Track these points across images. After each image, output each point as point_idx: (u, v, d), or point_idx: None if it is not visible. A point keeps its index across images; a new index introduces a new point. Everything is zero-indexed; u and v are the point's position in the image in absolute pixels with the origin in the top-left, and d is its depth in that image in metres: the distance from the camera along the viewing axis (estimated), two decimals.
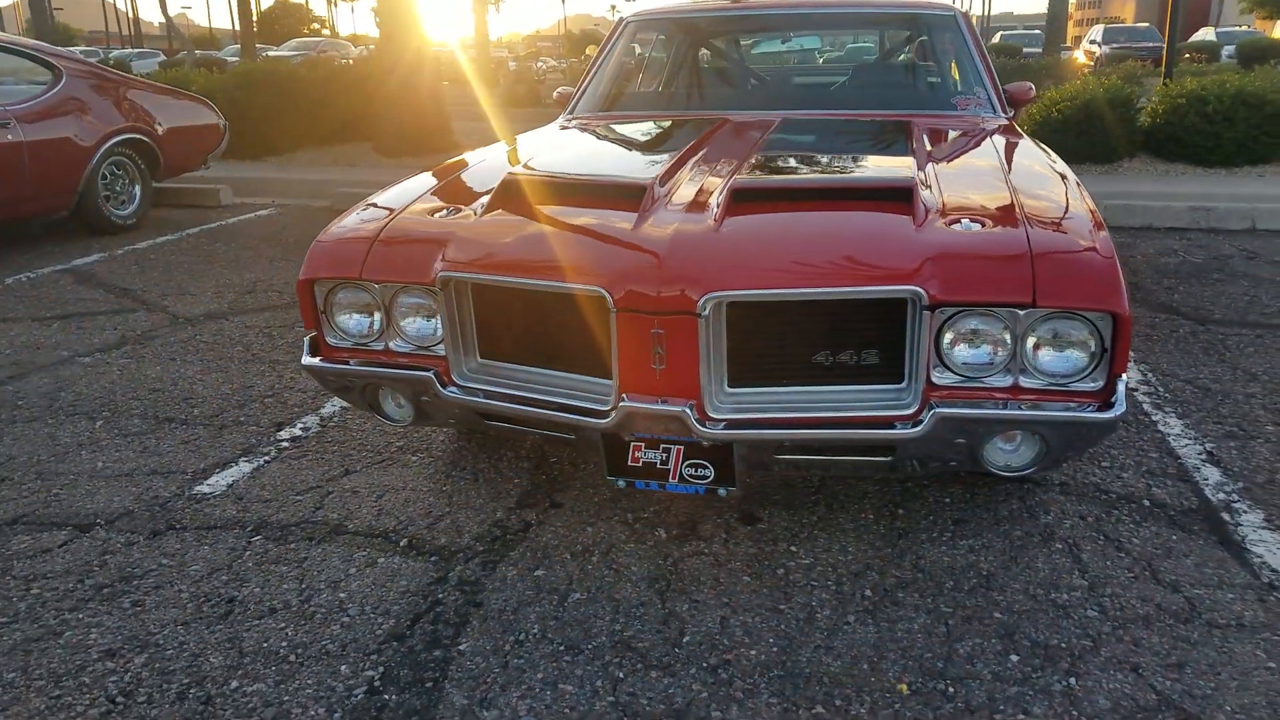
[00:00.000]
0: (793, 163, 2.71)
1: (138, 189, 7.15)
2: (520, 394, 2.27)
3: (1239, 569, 2.38)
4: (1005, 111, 3.54)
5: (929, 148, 2.87)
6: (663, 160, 2.65)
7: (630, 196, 2.34)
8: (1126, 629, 2.15)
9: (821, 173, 2.58)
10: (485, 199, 2.49)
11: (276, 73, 9.97)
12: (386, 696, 1.97)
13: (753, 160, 2.63)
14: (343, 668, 2.06)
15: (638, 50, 4.07)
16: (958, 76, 3.70)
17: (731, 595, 2.29)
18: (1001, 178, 2.52)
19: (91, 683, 2.04)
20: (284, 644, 2.15)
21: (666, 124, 3.43)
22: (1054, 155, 3.08)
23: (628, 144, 3.13)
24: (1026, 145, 3.07)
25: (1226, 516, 2.63)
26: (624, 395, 2.12)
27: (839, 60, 3.92)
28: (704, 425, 2.08)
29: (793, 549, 2.49)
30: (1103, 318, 2.01)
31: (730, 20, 4.11)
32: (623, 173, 2.52)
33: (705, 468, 2.18)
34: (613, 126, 3.48)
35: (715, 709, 1.91)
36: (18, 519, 2.74)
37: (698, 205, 2.29)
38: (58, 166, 6.40)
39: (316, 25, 68.18)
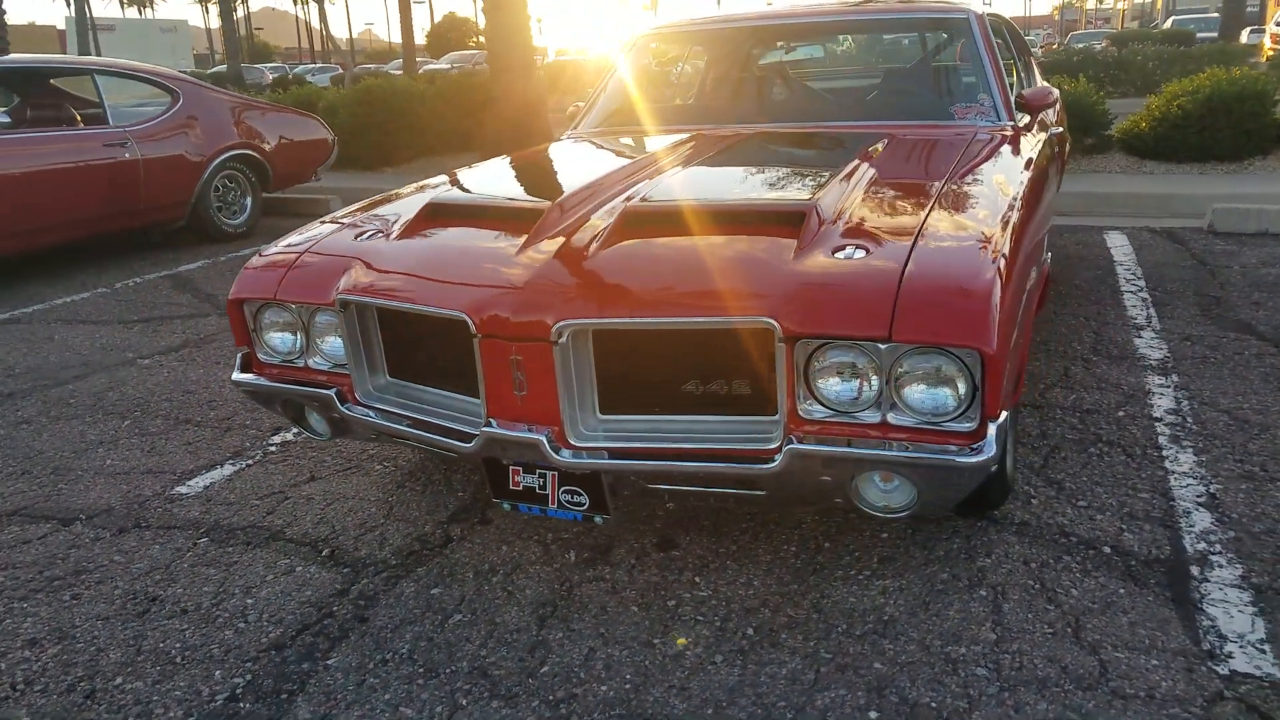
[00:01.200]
0: (706, 183, 2.63)
1: (249, 200, 7.65)
2: (408, 414, 2.31)
3: (1180, 632, 2.14)
4: (1012, 119, 3.31)
5: (879, 164, 2.73)
6: (589, 180, 2.62)
7: (527, 220, 2.34)
8: (1014, 692, 1.98)
9: (724, 195, 2.49)
10: (407, 221, 2.54)
11: (394, 88, 10.42)
12: (241, 704, 2.04)
13: (668, 181, 2.57)
14: (217, 673, 2.15)
15: (653, 64, 4.04)
16: (964, 83, 3.49)
17: (610, 626, 2.24)
18: (928, 201, 2.37)
19: (6, 669, 2.21)
20: (178, 645, 2.26)
21: (636, 140, 3.40)
22: (1035, 168, 2.88)
23: (577, 163, 3.12)
24: (1003, 159, 2.86)
25: (1195, 570, 2.38)
26: (490, 420, 2.12)
27: (841, 70, 3.76)
28: (561, 454, 2.05)
29: (697, 580, 2.42)
30: (970, 354, 1.86)
31: (731, 33, 4.01)
32: (533, 195, 2.51)
33: (580, 495, 2.16)
34: (590, 143, 3.48)
35: None
36: (18, 510, 2.99)
37: (589, 229, 2.26)
38: (171, 181, 6.93)
39: (481, 39, 70.99)
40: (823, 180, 2.47)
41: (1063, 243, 6.07)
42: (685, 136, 3.26)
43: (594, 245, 2.18)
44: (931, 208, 2.31)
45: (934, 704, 1.95)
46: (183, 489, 3.09)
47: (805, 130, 3.36)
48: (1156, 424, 3.26)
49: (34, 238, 6.16)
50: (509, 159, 3.34)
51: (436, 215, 2.53)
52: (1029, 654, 2.09)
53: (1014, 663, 2.06)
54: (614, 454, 2.07)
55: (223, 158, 7.30)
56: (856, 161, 2.69)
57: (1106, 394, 3.55)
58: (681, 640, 1.87)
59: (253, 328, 2.54)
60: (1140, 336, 4.18)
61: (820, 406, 2.00)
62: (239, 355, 2.60)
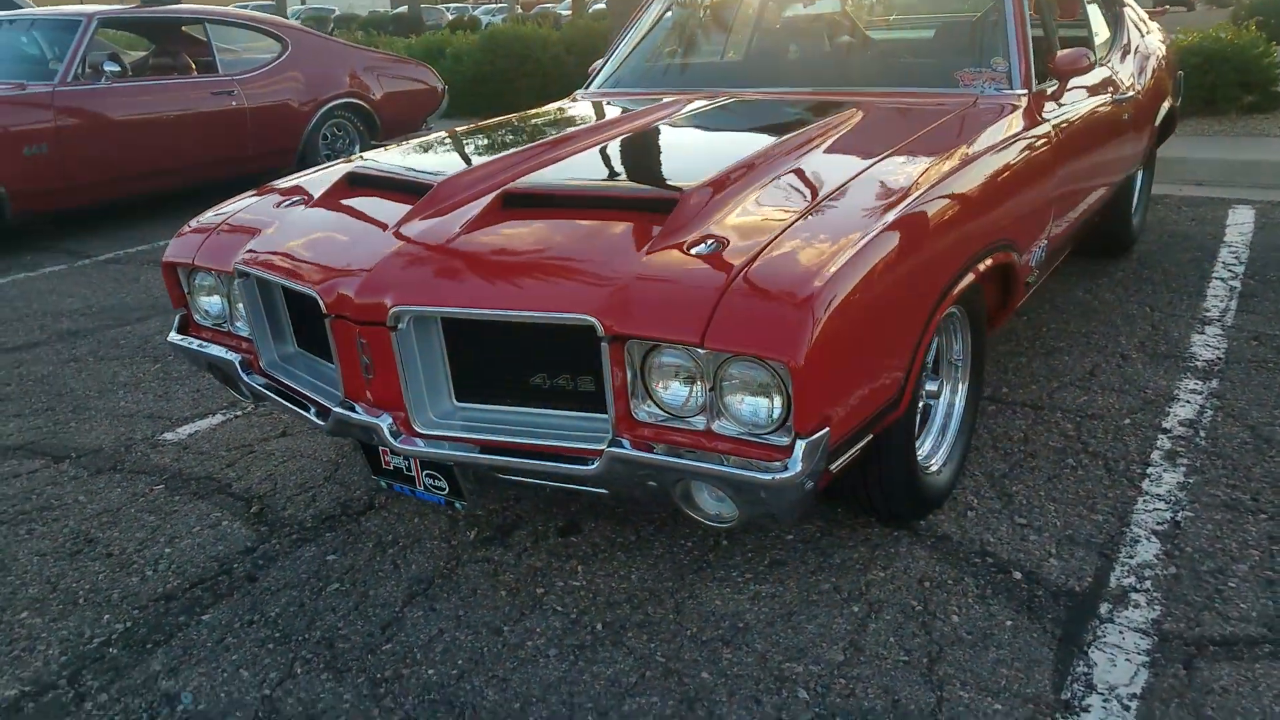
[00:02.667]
0: (610, 162, 2.52)
1: (356, 148, 7.95)
2: (294, 386, 2.37)
3: (1045, 677, 1.97)
4: (1028, 87, 3.02)
5: (820, 142, 2.56)
6: (504, 154, 2.57)
7: (414, 195, 2.33)
8: None
9: (611, 178, 2.39)
10: (325, 190, 2.59)
11: (517, 35, 10.52)
12: (110, 650, 2.19)
13: (578, 158, 2.50)
14: (106, 617, 2.31)
15: (671, 17, 3.88)
16: (979, 44, 3.19)
17: (471, 610, 2.26)
18: (828, 191, 2.21)
19: None
20: (88, 587, 2.44)
21: (613, 106, 3.30)
22: (1026, 148, 2.64)
23: (524, 132, 3.05)
24: (976, 139, 2.60)
25: (1104, 609, 2.17)
26: (344, 401, 2.15)
27: (860, 24, 3.46)
28: (399, 439, 2.07)
29: (579, 568, 2.40)
30: (781, 367, 1.74)
31: None
32: (443, 169, 2.48)
33: (439, 479, 2.17)
34: (572, 108, 3.41)
35: None
36: (25, 445, 3.29)
37: (465, 210, 2.24)
38: (278, 128, 7.29)
39: None
40: (732, 163, 2.33)
41: (1177, 217, 5.53)
42: (648, 106, 3.13)
43: (458, 228, 2.15)
44: (824, 200, 2.16)
45: None
46: (169, 435, 3.30)
47: (783, 98, 3.17)
48: (1160, 436, 2.96)
49: (144, 182, 6.63)
50: (474, 126, 3.32)
51: (353, 185, 2.56)
52: (866, 682, 1.97)
53: (845, 689, 1.95)
54: (452, 443, 2.06)
55: (330, 106, 7.60)
56: (795, 138, 2.53)
57: (1124, 397, 3.24)
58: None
59: (187, 290, 2.66)
60: (1202, 333, 3.78)
61: (656, 409, 1.92)
62: (176, 316, 2.73)
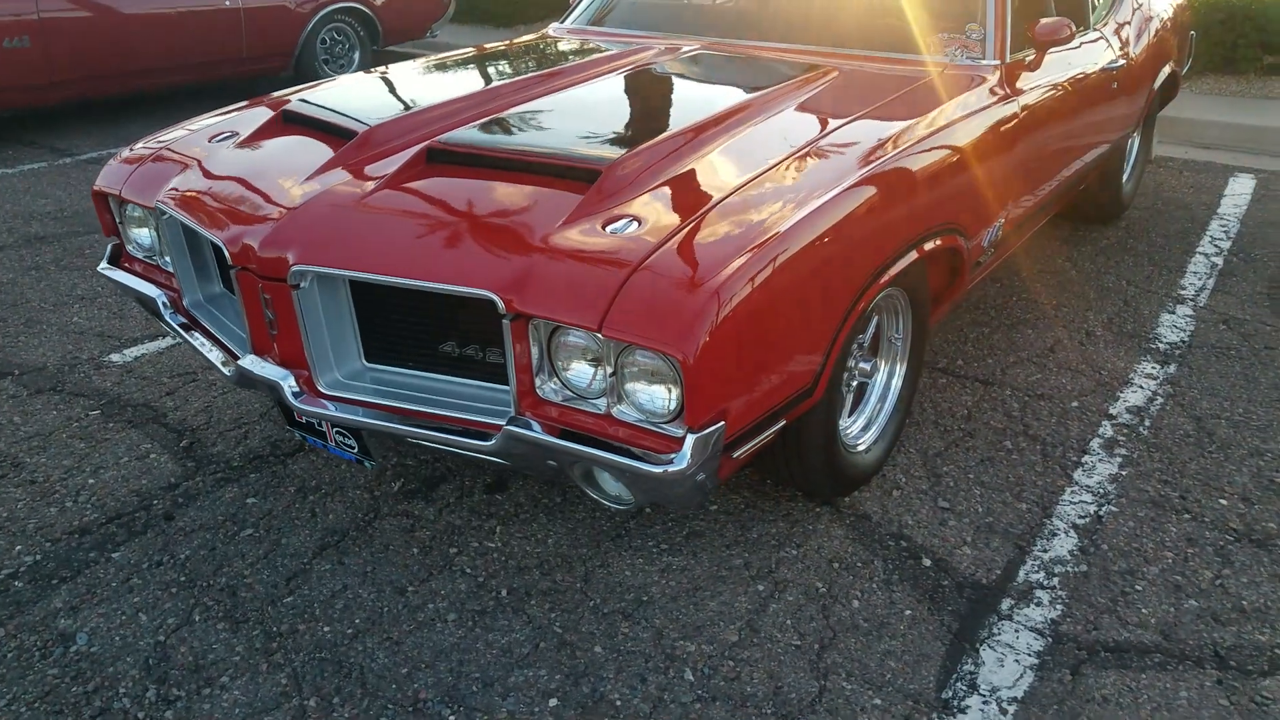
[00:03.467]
0: (549, 120, 2.43)
1: (356, 54, 7.81)
2: (210, 329, 2.34)
3: (930, 674, 1.97)
4: (1001, 57, 2.90)
5: (772, 110, 2.47)
6: (441, 100, 2.49)
7: (344, 139, 2.27)
8: (706, 705, 1.89)
9: (541, 140, 2.30)
10: (257, 126, 2.52)
11: None
12: (15, 583, 2.21)
13: (519, 111, 2.42)
14: (18, 548, 2.33)
15: None
16: (956, 8, 3.05)
17: (379, 566, 2.27)
18: (760, 170, 2.13)
19: None
20: (5, 515, 2.45)
21: (581, 47, 3.18)
22: (988, 124, 2.56)
23: (471, 75, 2.94)
24: (931, 113, 2.51)
25: (1006, 605, 2.16)
26: (252, 354, 2.12)
27: None
28: (299, 399, 2.04)
29: (497, 529, 2.40)
30: (675, 362, 1.69)
31: None
32: (376, 114, 2.40)
33: (348, 438, 2.15)
34: (535, 46, 3.29)
35: (230, 675, 1.96)
36: None
37: (385, 163, 2.17)
38: (272, 31, 7.13)
39: None
40: (672, 130, 2.25)
41: (1176, 183, 5.38)
42: (611, 53, 3.02)
43: (375, 182, 2.09)
44: (756, 179, 2.09)
45: (619, 702, 1.89)
46: (115, 357, 3.29)
47: (756, 53, 3.05)
48: (1104, 423, 2.92)
49: (131, 81, 6.51)
50: (429, 60, 3.21)
51: (287, 123, 2.49)
52: (753, 666, 1.97)
53: (731, 672, 1.96)
54: (354, 407, 2.03)
55: (327, 10, 7.42)
56: (746, 104, 2.45)
57: (1078, 378, 3.19)
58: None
59: (119, 220, 2.62)
60: (1173, 312, 3.71)
61: (561, 388, 1.89)
62: (109, 246, 2.69)
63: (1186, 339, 3.48)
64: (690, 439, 1.73)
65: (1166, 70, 4.48)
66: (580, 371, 1.86)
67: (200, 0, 6.67)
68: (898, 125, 2.43)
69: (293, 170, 2.24)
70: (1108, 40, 3.72)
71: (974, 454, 2.75)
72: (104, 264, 2.65)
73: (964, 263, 2.64)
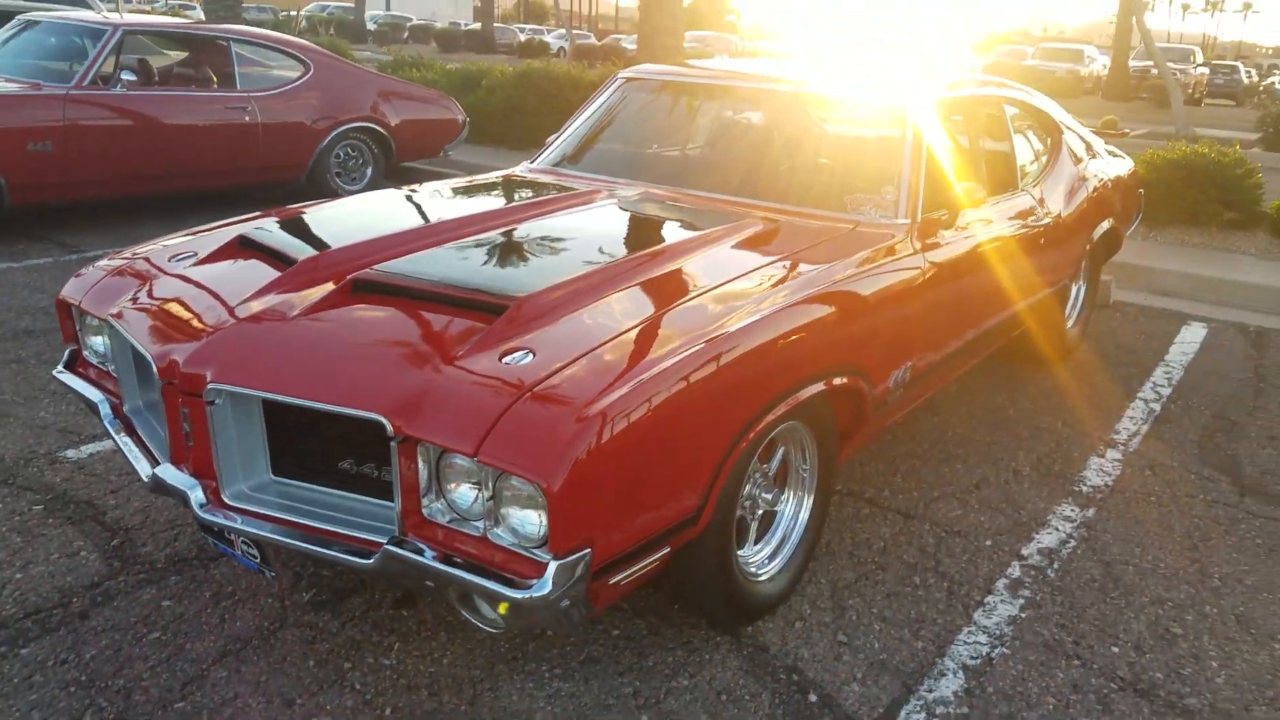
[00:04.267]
0: (478, 255, 2.62)
1: (369, 169, 8.22)
2: (141, 435, 2.47)
3: None
4: (912, 217, 3.09)
5: (691, 254, 2.65)
6: (388, 233, 2.68)
7: (284, 266, 2.44)
8: None
9: (467, 273, 2.48)
10: (212, 249, 2.70)
11: (549, 73, 10.75)
12: None
13: (446, 246, 2.60)
14: None
15: (617, 100, 3.98)
16: (874, 169, 3.27)
17: (274, 676, 2.33)
18: (660, 307, 2.29)
19: None
20: None
21: (536, 189, 3.40)
22: (883, 283, 2.73)
23: (428, 208, 3.15)
24: (843, 264, 2.69)
25: None
26: (169, 463, 2.25)
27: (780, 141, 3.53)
28: (202, 510, 2.15)
29: (396, 645, 2.47)
30: (539, 490, 1.81)
31: (685, 86, 3.89)
32: (321, 240, 2.59)
33: (252, 548, 2.25)
34: (501, 184, 3.53)
35: None
36: None
37: (315, 291, 2.34)
38: (289, 145, 7.55)
39: (731, 19, 70.62)
40: (586, 269, 2.43)
41: (1129, 328, 5.56)
42: (555, 196, 3.23)
43: (300, 309, 2.25)
44: (651, 319, 2.25)
45: None
46: (71, 452, 3.42)
47: (688, 202, 3.25)
48: (1014, 564, 2.99)
49: (154, 184, 6.87)
50: (395, 190, 3.42)
51: (243, 247, 2.68)
52: None
53: None
54: (251, 518, 2.13)
55: (344, 128, 7.85)
56: (666, 249, 2.63)
57: (996, 516, 3.28)
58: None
59: (79, 327, 2.78)
60: (1103, 455, 3.81)
61: (447, 509, 2.00)
62: (67, 351, 2.84)
63: (1110, 483, 3.57)
64: (552, 565, 1.83)
65: (1106, 225, 4.70)
66: (464, 494, 1.97)
67: (221, 115, 7.08)
68: (799, 274, 2.60)
69: (233, 293, 2.40)
70: (1035, 200, 3.94)
71: (882, 588, 2.82)
72: (59, 368, 2.81)
73: (865, 402, 2.77)
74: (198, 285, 2.51)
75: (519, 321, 2.16)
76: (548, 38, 39.03)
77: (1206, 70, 30.50)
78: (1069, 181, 4.31)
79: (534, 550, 1.89)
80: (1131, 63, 26.12)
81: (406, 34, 43.19)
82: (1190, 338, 5.45)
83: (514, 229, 2.84)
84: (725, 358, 2.16)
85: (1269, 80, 31.31)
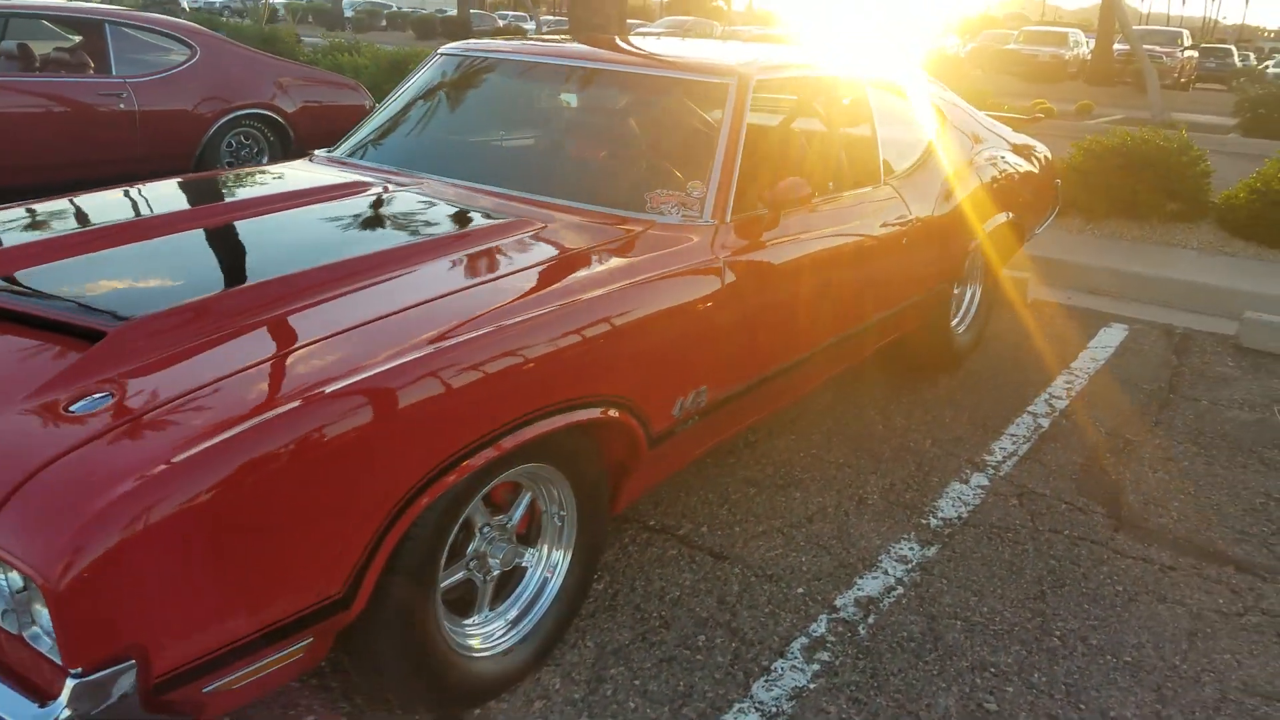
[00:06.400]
0: (122, 265, 2.21)
1: (265, 159, 7.75)
2: None
3: None
4: (720, 216, 2.68)
5: (425, 259, 2.26)
6: (53, 236, 2.28)
7: None
8: None
9: (79, 290, 2.07)
10: None
11: None
12: None
13: (128, 246, 2.21)
14: None
15: (427, 85, 3.55)
16: (681, 165, 2.85)
17: None
18: (320, 334, 1.89)
19: None
20: None
21: (280, 183, 2.98)
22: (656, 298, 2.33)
23: (140, 206, 2.74)
24: (576, 278, 2.27)
25: None
26: None
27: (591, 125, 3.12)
28: None
29: None
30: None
31: (505, 66, 3.43)
32: None
33: None
34: (267, 173, 3.12)
35: None
36: None
37: None
38: (172, 132, 7.09)
39: (719, 3, 70.07)
40: (251, 281, 2.03)
41: (1041, 332, 5.14)
42: (315, 186, 2.81)
43: None
44: (304, 347, 1.84)
45: None
46: None
47: (468, 197, 2.81)
48: (821, 616, 2.60)
49: (27, 174, 6.43)
50: (116, 190, 2.96)
51: None
52: None
53: None
54: None
55: (234, 115, 7.39)
56: (381, 253, 2.23)
57: (819, 557, 2.88)
58: None
59: None
60: (966, 481, 3.41)
61: None
62: None
63: (965, 515, 3.18)
64: (71, 683, 1.42)
65: (1003, 219, 4.28)
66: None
67: (91, 102, 6.63)
68: (535, 289, 2.19)
69: None
70: (897, 195, 3.52)
71: (657, 651, 2.43)
72: None
73: (639, 437, 2.36)
74: None
75: (111, 355, 1.75)
76: (528, 24, 38.52)
77: (1195, 54, 29.93)
78: (950, 173, 3.89)
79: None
80: (1116, 46, 25.53)
81: (384, 21, 42.63)
82: (1107, 341, 5.04)
83: (223, 228, 2.44)
84: (392, 396, 1.76)
85: (1267, 64, 30.58)
